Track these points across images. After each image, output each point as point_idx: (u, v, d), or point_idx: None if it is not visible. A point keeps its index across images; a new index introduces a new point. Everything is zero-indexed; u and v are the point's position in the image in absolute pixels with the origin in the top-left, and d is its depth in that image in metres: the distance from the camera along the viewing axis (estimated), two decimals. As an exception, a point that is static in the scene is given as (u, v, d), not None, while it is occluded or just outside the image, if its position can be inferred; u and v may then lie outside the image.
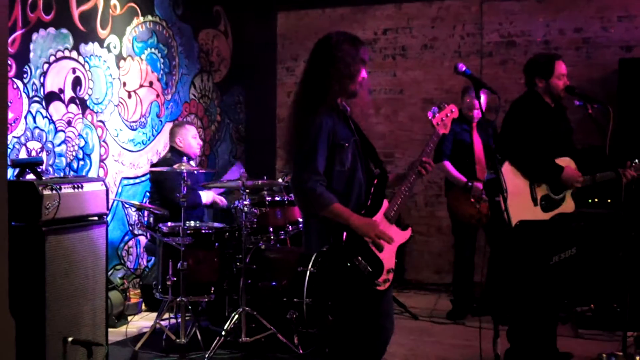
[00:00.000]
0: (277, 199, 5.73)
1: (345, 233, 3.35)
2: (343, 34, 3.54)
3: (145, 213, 5.36)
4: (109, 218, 5.44)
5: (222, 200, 6.36)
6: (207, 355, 4.98)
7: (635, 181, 4.71)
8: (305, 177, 3.34)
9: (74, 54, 5.98)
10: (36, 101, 5.63)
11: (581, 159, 4.77)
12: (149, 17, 6.92)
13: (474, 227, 6.32)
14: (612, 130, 4.54)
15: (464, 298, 6.41)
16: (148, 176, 6.57)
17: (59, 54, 5.83)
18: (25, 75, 5.51)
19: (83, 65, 6.07)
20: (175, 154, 6.12)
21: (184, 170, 5.22)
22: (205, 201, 6.23)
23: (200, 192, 6.18)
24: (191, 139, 6.18)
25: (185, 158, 5.92)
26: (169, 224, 5.44)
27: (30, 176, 4.59)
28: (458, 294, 6.45)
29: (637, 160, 4.74)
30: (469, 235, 6.37)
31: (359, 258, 3.37)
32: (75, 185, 4.59)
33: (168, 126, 6.99)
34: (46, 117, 5.72)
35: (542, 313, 4.69)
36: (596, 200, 6.28)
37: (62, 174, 5.79)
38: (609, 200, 6.24)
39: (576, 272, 5.03)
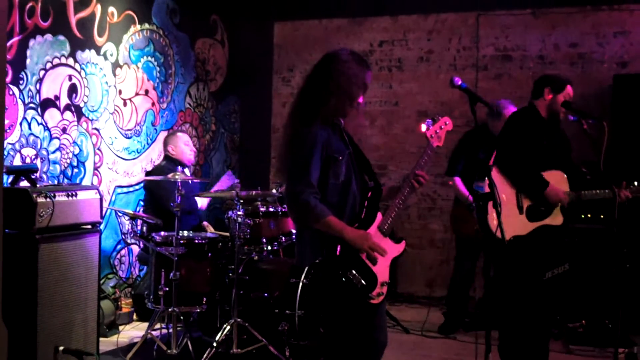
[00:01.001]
0: (270, 209, 5.71)
1: (339, 246, 3.35)
2: (353, 52, 3.56)
3: (139, 222, 5.36)
4: (102, 226, 5.43)
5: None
6: (198, 366, 4.97)
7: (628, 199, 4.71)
8: (299, 189, 3.33)
9: (71, 61, 5.97)
10: (32, 108, 5.62)
11: (576, 174, 4.78)
12: (146, 26, 6.92)
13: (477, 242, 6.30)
14: (606, 146, 4.55)
15: (457, 312, 6.39)
16: (142, 184, 6.56)
17: (56, 61, 5.82)
18: (21, 82, 5.50)
19: (79, 73, 6.07)
20: (169, 162, 6.14)
21: (179, 180, 5.22)
22: (201, 206, 6.26)
23: (196, 198, 6.19)
24: (183, 146, 6.20)
25: (180, 167, 5.94)
26: (162, 233, 5.43)
27: (25, 183, 4.58)
28: (451, 307, 6.44)
29: (636, 183, 4.73)
30: (471, 249, 6.33)
31: (353, 271, 3.36)
32: (70, 193, 4.58)
33: (163, 135, 6.98)
34: (41, 124, 5.71)
35: (534, 329, 4.69)
36: (589, 215, 6.29)
37: (56, 182, 5.78)
38: (602, 216, 6.25)
39: (568, 288, 5.02)
